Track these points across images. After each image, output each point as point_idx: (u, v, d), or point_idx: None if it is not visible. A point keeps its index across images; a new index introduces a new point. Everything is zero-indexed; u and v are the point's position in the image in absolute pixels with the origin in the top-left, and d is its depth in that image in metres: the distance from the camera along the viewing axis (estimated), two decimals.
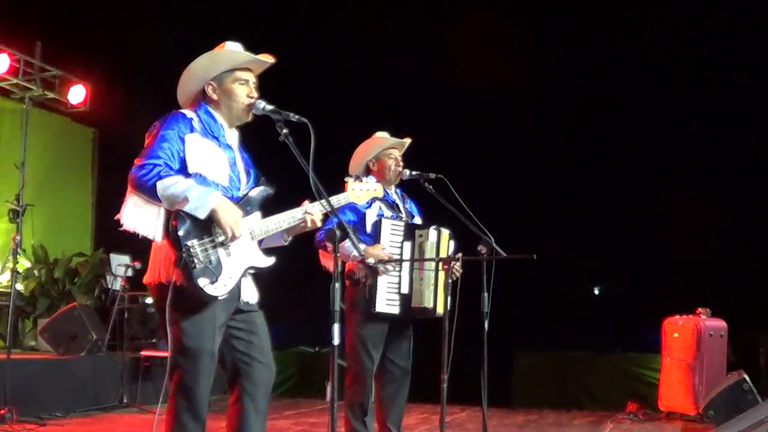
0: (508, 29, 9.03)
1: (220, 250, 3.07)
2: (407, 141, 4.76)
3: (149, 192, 2.99)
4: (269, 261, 3.24)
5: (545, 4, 9.58)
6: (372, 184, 3.63)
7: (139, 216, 3.05)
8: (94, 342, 7.17)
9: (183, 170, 3.08)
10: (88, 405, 6.75)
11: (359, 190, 3.57)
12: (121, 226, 3.07)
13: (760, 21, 8.54)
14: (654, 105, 9.47)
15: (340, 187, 3.58)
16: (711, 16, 8.83)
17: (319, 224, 3.33)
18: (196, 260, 2.97)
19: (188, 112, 3.21)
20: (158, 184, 2.97)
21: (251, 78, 3.30)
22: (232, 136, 3.32)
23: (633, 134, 9.52)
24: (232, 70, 3.25)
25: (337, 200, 3.47)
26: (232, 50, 3.26)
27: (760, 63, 8.63)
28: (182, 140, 3.10)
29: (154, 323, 7.76)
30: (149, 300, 7.66)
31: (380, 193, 3.69)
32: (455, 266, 4.32)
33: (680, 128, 9.26)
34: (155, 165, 3.00)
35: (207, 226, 3.04)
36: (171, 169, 3.03)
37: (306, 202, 3.29)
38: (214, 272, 3.01)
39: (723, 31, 8.80)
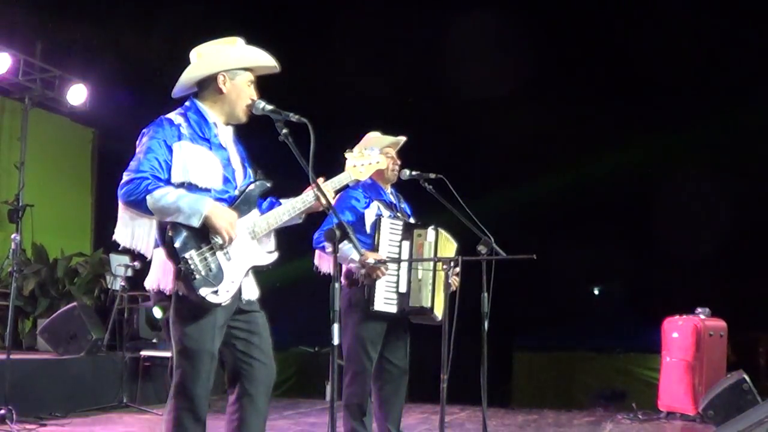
0: (508, 28, 9.03)
1: (220, 256, 3.05)
2: (402, 139, 4.74)
3: (139, 207, 2.97)
4: (271, 258, 3.23)
5: (547, 3, 9.57)
6: (375, 156, 3.48)
7: (133, 231, 3.04)
8: (94, 342, 7.16)
9: (171, 179, 3.06)
10: (88, 405, 6.75)
11: (360, 166, 3.45)
12: (118, 244, 3.07)
13: (761, 22, 8.53)
14: (654, 105, 9.47)
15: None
16: (712, 17, 8.82)
17: (332, 200, 3.26)
18: (195, 271, 2.96)
19: (175, 118, 3.17)
20: (148, 198, 2.95)
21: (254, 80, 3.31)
22: (226, 133, 3.29)
23: (633, 134, 9.53)
24: (246, 69, 3.25)
25: (339, 181, 3.41)
26: (252, 49, 3.27)
27: (761, 63, 8.64)
28: (169, 148, 3.07)
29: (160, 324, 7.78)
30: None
31: (384, 165, 3.61)
32: (453, 278, 4.29)
33: (680, 128, 9.26)
34: (143, 179, 2.97)
35: (204, 234, 3.02)
36: (159, 180, 3.01)
37: (317, 182, 3.21)
38: (214, 281, 3.00)
39: (721, 31, 8.80)
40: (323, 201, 3.22)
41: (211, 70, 3.22)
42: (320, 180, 3.26)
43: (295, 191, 3.34)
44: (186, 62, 3.27)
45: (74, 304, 7.48)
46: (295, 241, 3.49)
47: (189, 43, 3.40)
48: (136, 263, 7.43)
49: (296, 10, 9.70)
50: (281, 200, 3.29)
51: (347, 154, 3.49)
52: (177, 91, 3.30)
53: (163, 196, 2.96)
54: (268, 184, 3.26)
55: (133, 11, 9.28)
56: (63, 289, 8.63)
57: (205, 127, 3.21)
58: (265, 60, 3.27)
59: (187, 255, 2.96)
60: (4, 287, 7.63)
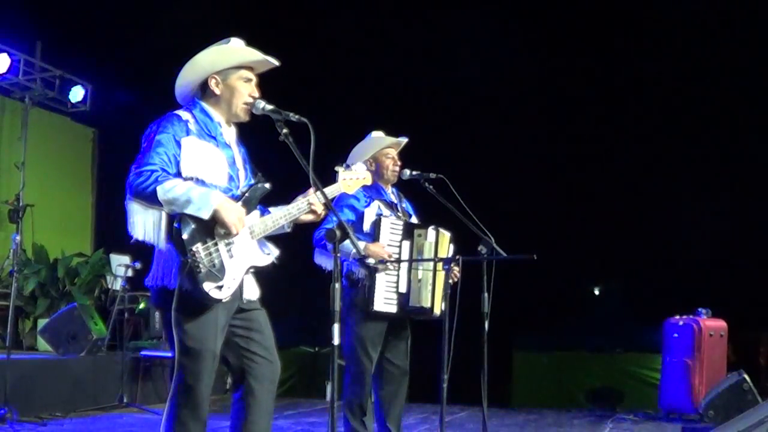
0: (509, 28, 9.03)
1: (223, 252, 3.06)
2: (404, 140, 4.76)
3: (149, 198, 2.97)
4: (269, 259, 3.24)
5: (548, 4, 9.58)
6: (361, 171, 3.61)
7: (144, 223, 3.03)
8: (94, 342, 7.16)
9: (180, 173, 3.07)
10: (88, 405, 6.74)
11: (349, 180, 3.56)
12: (132, 237, 3.05)
13: (760, 23, 8.54)
14: (655, 105, 9.47)
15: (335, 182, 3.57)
16: (712, 18, 8.83)
17: (321, 212, 3.31)
18: (201, 265, 2.97)
19: (183, 114, 3.19)
20: (158, 189, 2.95)
21: (254, 77, 3.30)
22: (230, 133, 3.31)
23: (633, 134, 9.53)
24: (238, 67, 3.25)
25: (330, 192, 3.45)
26: (242, 47, 3.26)
27: (761, 63, 8.64)
28: (178, 143, 3.08)
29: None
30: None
31: (369, 181, 3.68)
32: (454, 270, 4.32)
33: (680, 128, 9.27)
34: (152, 171, 2.98)
35: (210, 229, 3.03)
36: (168, 173, 3.02)
37: (310, 191, 3.28)
38: (218, 276, 3.01)
39: (721, 32, 8.80)
40: (324, 201, 3.24)
41: (201, 75, 3.24)
42: (311, 190, 3.29)
43: (293, 195, 3.35)
44: (186, 61, 3.27)
45: (74, 304, 7.48)
46: (295, 240, 3.49)
47: (190, 42, 3.40)
48: (136, 263, 7.43)
49: (297, 10, 9.71)
50: (270, 209, 3.29)
51: (338, 168, 3.56)
52: (179, 99, 3.32)
53: (173, 188, 2.97)
54: (268, 187, 3.27)
55: (134, 11, 9.29)
56: (63, 289, 8.63)
57: (211, 125, 3.22)
58: (254, 56, 3.26)
59: (194, 248, 2.97)
60: (5, 287, 7.63)
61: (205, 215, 2.99)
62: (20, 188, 7.26)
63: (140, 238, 3.05)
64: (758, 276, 8.54)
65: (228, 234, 3.05)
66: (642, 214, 9.47)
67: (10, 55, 8.64)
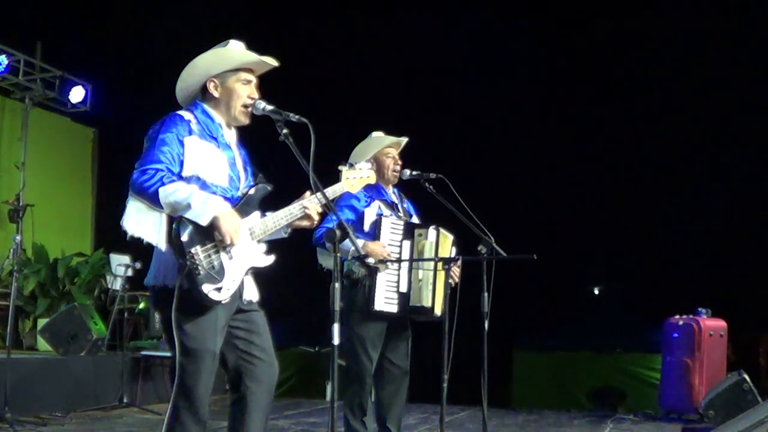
0: (509, 30, 9.04)
1: (223, 255, 3.07)
2: (404, 140, 4.76)
3: (151, 198, 2.98)
4: (269, 260, 3.24)
5: (548, 5, 9.58)
6: (365, 170, 3.58)
7: (142, 222, 3.03)
8: (94, 342, 7.16)
9: (182, 173, 3.07)
10: (88, 405, 6.74)
11: (353, 179, 3.54)
12: (125, 232, 3.05)
13: (759, 25, 8.54)
14: (654, 105, 9.48)
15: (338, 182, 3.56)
16: (711, 20, 8.83)
17: (315, 218, 3.31)
18: (200, 266, 2.97)
19: (185, 114, 3.19)
20: (161, 190, 2.96)
21: (254, 79, 3.30)
22: (231, 135, 3.32)
23: (633, 134, 9.54)
24: (236, 70, 3.25)
25: (333, 191, 3.44)
26: (239, 50, 3.26)
27: (760, 64, 8.64)
28: (181, 143, 3.09)
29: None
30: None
31: (373, 180, 3.66)
32: (454, 271, 4.31)
33: (680, 129, 9.27)
34: (157, 170, 2.99)
35: (209, 231, 3.04)
36: (173, 173, 3.03)
37: (306, 194, 3.29)
38: (217, 277, 3.02)
39: (721, 33, 8.81)
40: (324, 201, 3.23)
41: (200, 79, 3.25)
42: (306, 194, 3.27)
43: (293, 195, 3.34)
44: (186, 62, 3.27)
45: (74, 304, 7.48)
46: (295, 240, 3.49)
47: (190, 43, 3.39)
48: (136, 263, 7.43)
49: (297, 10, 9.71)
50: (267, 213, 3.29)
51: (341, 168, 3.54)
52: (180, 101, 3.33)
53: (175, 191, 2.97)
54: (269, 188, 3.26)
55: (134, 11, 9.29)
56: (63, 289, 8.64)
57: (212, 126, 3.23)
58: (250, 58, 3.26)
59: (192, 250, 2.97)
60: (5, 287, 7.63)
61: (204, 222, 3.00)
62: (20, 188, 7.28)
63: (131, 233, 3.04)
64: (758, 276, 8.54)
65: (224, 241, 3.05)
66: (642, 214, 9.47)
67: (9, 55, 8.64)
